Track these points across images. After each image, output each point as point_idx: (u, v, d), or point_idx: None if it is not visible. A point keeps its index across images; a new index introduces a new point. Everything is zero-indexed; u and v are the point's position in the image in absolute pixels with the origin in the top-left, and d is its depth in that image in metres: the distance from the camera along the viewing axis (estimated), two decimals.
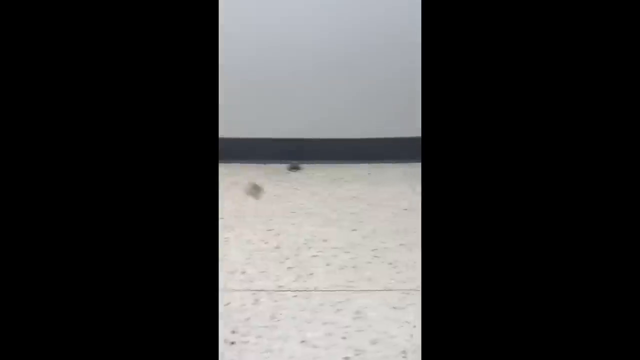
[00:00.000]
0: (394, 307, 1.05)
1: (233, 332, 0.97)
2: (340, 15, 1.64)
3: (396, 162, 1.73)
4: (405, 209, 1.46)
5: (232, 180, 1.68)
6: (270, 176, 1.70)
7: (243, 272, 1.17)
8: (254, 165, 1.72)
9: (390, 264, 1.20)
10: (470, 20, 0.54)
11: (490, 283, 0.52)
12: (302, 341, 0.95)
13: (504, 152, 0.54)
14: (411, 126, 1.50)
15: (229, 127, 1.67)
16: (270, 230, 1.36)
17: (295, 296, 1.08)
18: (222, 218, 1.38)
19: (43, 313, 0.53)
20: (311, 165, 1.79)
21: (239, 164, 1.80)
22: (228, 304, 1.05)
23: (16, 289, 0.53)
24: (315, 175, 1.72)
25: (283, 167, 1.73)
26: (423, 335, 0.52)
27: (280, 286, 1.12)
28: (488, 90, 0.54)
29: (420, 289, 0.87)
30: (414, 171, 1.61)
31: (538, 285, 0.53)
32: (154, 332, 0.53)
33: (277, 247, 1.27)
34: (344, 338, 0.96)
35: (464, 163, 0.54)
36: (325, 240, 1.30)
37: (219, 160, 1.55)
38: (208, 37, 0.56)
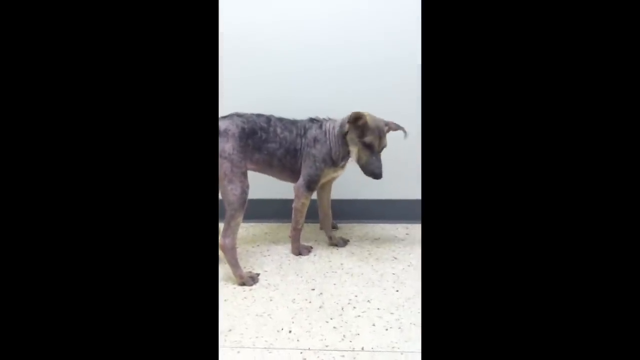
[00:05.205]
0: None
1: None
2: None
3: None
4: None
5: (272, 239, 1.70)
6: (308, 235, 1.72)
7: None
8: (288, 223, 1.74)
9: None
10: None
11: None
12: None
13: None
14: None
15: (271, 189, 1.72)
16: (313, 289, 1.35)
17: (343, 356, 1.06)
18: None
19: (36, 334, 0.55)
20: (348, 224, 1.81)
21: (277, 223, 1.83)
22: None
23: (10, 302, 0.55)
24: (354, 234, 1.72)
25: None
26: None
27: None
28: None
29: None
30: None
31: None
32: None
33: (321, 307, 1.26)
34: None
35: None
36: (369, 301, 1.29)
37: (265, 220, 1.50)
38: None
